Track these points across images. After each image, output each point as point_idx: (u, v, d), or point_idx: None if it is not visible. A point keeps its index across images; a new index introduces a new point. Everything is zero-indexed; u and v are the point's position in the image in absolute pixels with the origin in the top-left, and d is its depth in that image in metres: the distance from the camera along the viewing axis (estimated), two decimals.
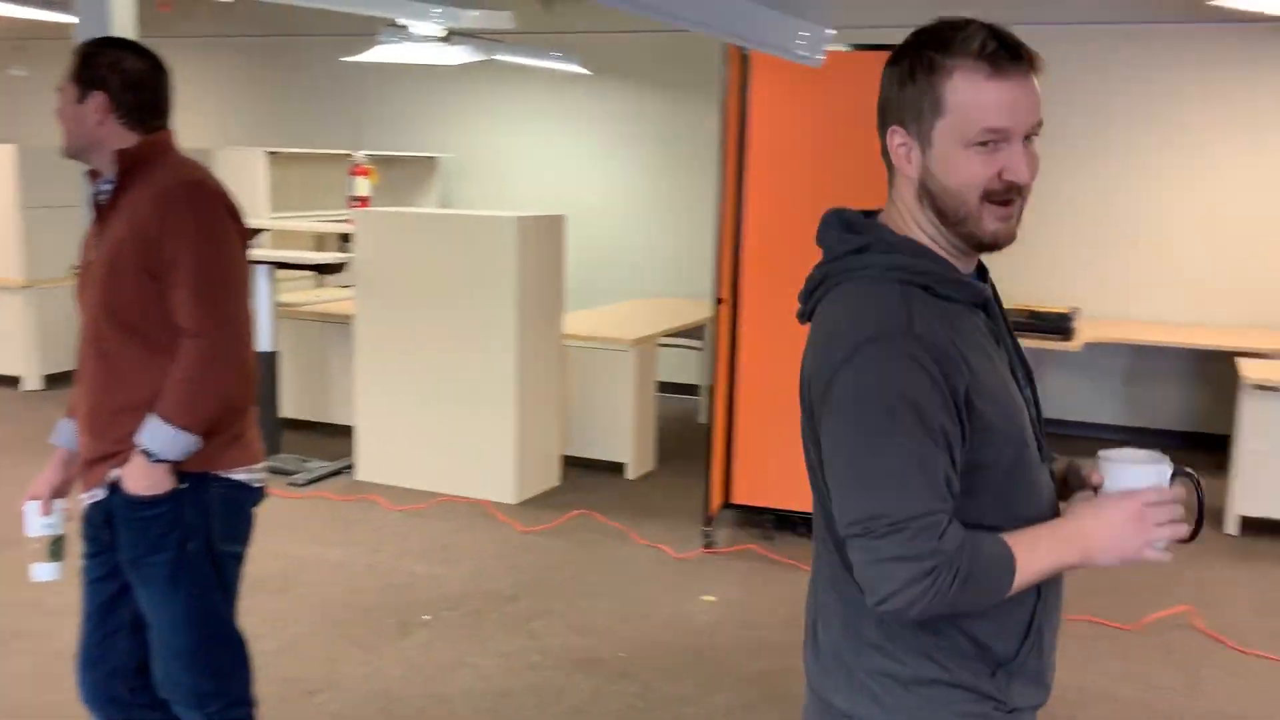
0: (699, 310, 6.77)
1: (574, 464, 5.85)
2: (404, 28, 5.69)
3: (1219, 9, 5.63)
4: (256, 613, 3.71)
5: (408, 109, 8.43)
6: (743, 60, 4.71)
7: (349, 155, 7.34)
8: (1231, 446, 5.23)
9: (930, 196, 1.40)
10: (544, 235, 5.49)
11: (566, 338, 5.78)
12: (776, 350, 4.84)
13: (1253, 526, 5.14)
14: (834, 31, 4.09)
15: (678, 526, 5.07)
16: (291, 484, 5.46)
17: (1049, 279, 6.89)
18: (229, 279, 2.24)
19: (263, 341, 5.56)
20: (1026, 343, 6.04)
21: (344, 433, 5.96)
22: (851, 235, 1.45)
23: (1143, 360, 6.81)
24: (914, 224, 1.44)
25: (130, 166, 2.23)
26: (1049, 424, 5.75)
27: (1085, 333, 6.16)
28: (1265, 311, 6.50)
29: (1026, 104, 1.35)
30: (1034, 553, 1.35)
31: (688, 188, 7.65)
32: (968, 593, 1.31)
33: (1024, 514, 1.41)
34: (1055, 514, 1.45)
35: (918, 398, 1.30)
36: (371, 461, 5.64)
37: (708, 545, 4.83)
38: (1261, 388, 5.06)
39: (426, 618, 4.06)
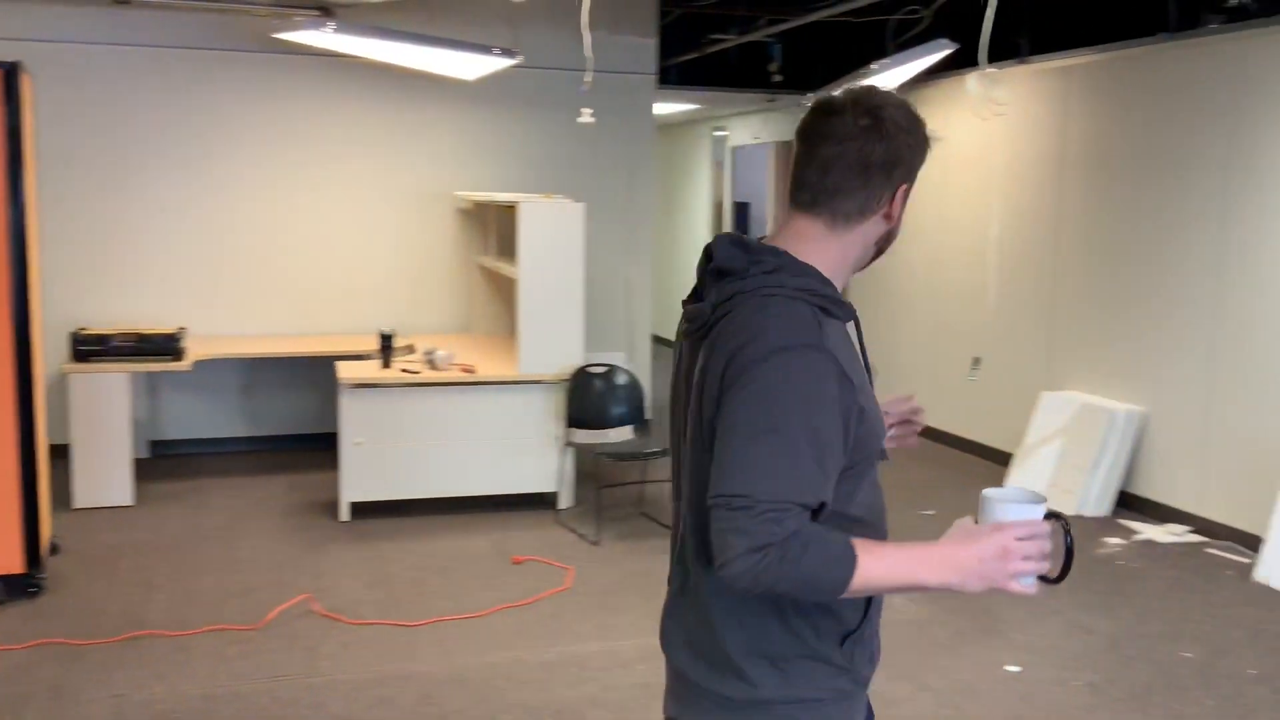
0: None
1: None
2: None
3: (280, 41, 6.11)
4: None
5: None
6: None
7: None
8: (338, 441, 5.74)
9: (887, 239, 1.65)
10: None
11: None
12: None
13: (359, 511, 5.73)
14: None
15: None
16: None
17: (155, 300, 6.86)
18: None
19: None
20: (135, 367, 5.95)
21: None
22: (761, 257, 1.58)
23: (257, 372, 7.14)
24: (827, 258, 1.61)
25: None
26: (172, 444, 5.69)
27: (195, 351, 6.26)
28: (357, 318, 7.24)
29: None
30: (881, 562, 1.46)
31: None
32: (788, 577, 1.42)
33: (874, 504, 1.61)
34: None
35: (811, 404, 1.47)
36: None
37: None
38: (357, 386, 5.65)
39: None
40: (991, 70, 5.66)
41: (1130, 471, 6.15)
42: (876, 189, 1.59)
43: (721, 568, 1.44)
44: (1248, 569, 5.19)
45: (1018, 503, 1.51)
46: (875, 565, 1.45)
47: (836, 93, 1.62)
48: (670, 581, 1.71)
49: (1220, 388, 5.66)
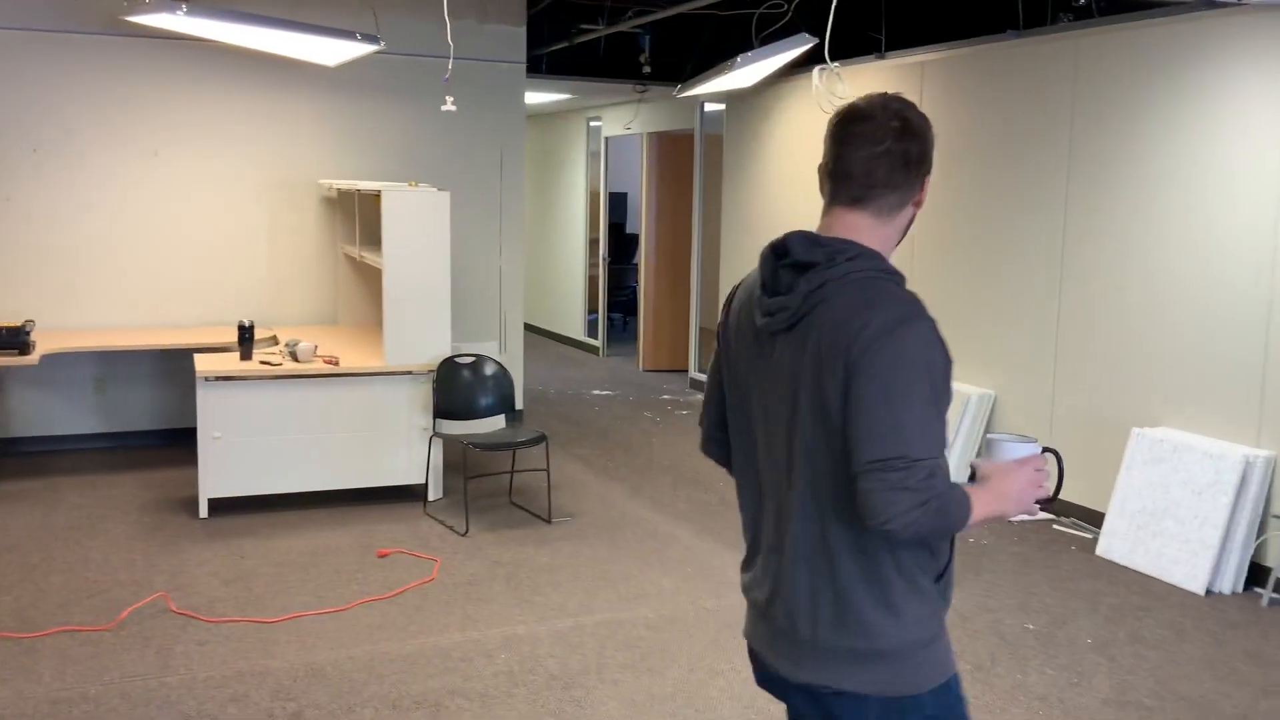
0: None
1: None
2: None
3: (132, 24, 5.91)
4: None
5: None
6: None
7: None
8: (197, 436, 5.58)
9: (910, 223, 1.85)
10: None
11: None
12: None
13: (219, 507, 5.59)
14: None
15: None
16: None
17: (1, 293, 6.58)
18: None
19: None
20: None
21: None
22: (841, 247, 1.77)
23: (111, 366, 6.89)
24: (878, 243, 1.80)
25: None
26: (21, 442, 5.50)
27: (43, 345, 6.01)
28: (218, 310, 7.05)
29: None
30: (977, 503, 1.72)
31: None
32: (939, 524, 1.66)
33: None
34: None
35: (935, 368, 1.69)
36: None
37: None
38: (215, 379, 5.51)
39: None
40: (834, 66, 5.81)
41: (982, 452, 6.40)
42: (913, 180, 1.81)
43: (885, 523, 1.64)
44: (1090, 544, 5.45)
45: (1022, 443, 1.87)
46: (975, 506, 1.72)
47: (859, 101, 1.82)
48: (769, 554, 1.87)
49: (1063, 370, 5.93)
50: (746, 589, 1.95)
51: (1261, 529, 4.92)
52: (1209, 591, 4.86)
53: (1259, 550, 4.93)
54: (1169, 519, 5.11)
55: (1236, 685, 3.96)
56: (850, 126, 1.79)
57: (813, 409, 1.74)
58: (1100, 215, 5.68)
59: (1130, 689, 3.90)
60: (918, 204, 1.85)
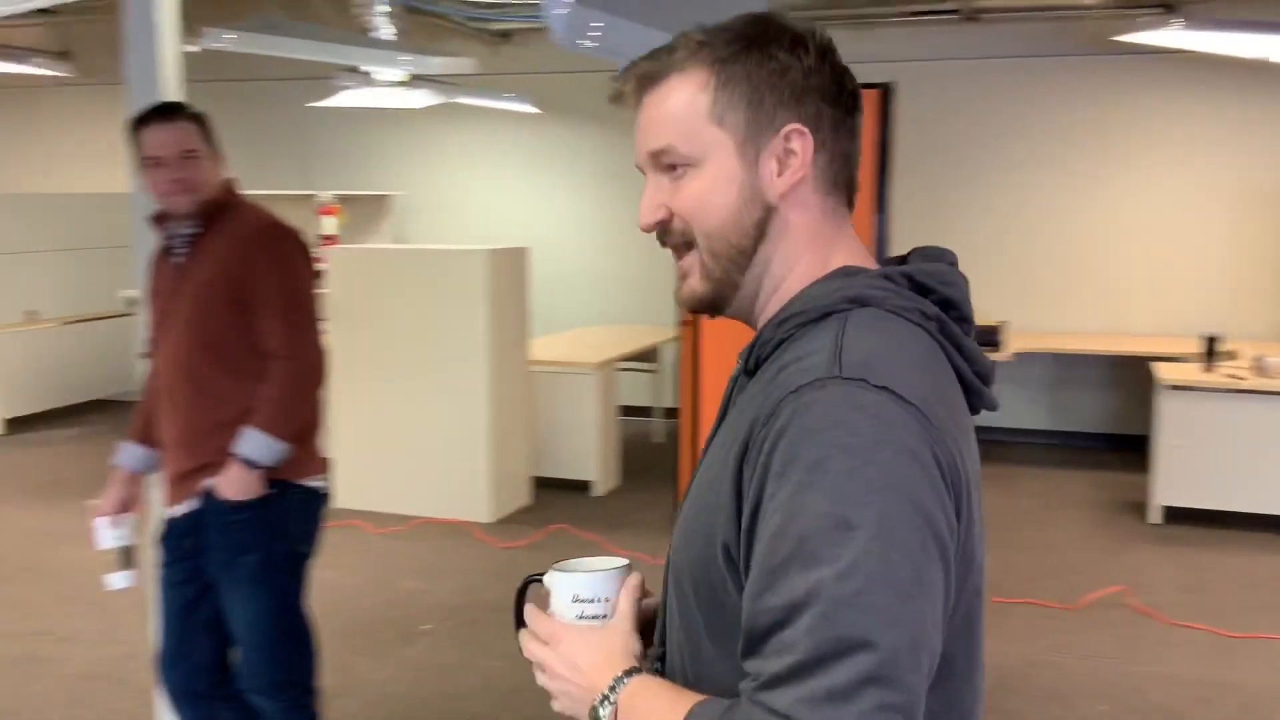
0: (651, 335, 7.10)
1: (543, 484, 6.11)
2: (365, 73, 5.91)
3: (1119, 43, 6.15)
4: None
5: (353, 149, 8.61)
6: None
7: (311, 195, 7.53)
8: (1150, 444, 5.66)
9: None
10: (510, 267, 5.79)
11: (533, 363, 6.05)
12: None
13: (1174, 516, 5.61)
14: None
15: (648, 537, 5.37)
16: None
17: (982, 295, 7.34)
18: (309, 308, 2.55)
19: None
20: None
21: None
22: None
23: (1066, 368, 7.29)
24: None
25: (213, 213, 2.51)
26: (990, 431, 6.10)
27: (1014, 344, 6.61)
28: (1175, 319, 7.02)
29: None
30: None
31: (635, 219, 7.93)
32: None
33: None
34: None
35: None
36: (350, 488, 5.72)
37: None
38: (1176, 388, 5.52)
39: (426, 627, 4.32)
40: None
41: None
42: None
43: None
44: None
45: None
46: None
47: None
48: None
49: None
50: None
51: None
52: None
53: None
54: None
55: None
56: None
57: None
58: None
59: None
60: None
